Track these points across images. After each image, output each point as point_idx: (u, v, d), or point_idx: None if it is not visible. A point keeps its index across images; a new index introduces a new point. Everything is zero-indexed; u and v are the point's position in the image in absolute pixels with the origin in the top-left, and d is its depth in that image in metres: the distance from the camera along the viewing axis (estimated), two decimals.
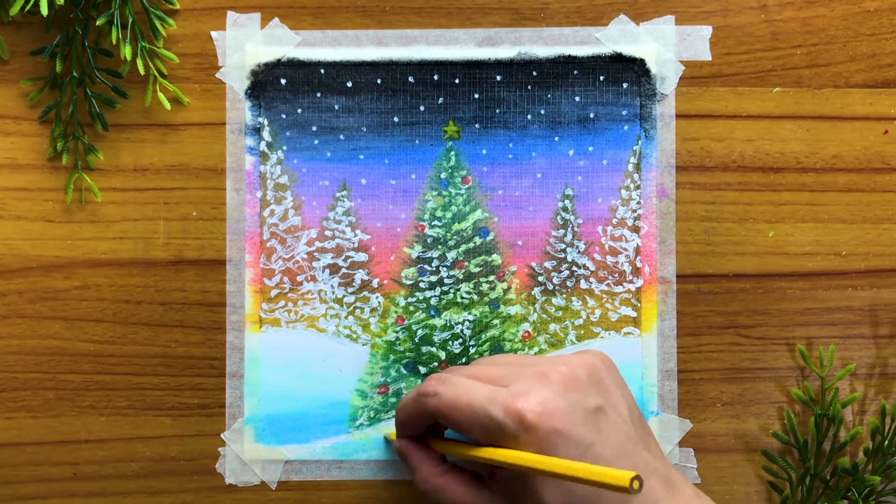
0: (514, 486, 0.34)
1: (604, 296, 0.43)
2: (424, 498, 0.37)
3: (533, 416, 0.31)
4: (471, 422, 0.33)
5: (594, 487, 0.30)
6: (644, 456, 0.33)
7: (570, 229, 0.43)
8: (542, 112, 0.43)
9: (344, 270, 0.43)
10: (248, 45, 0.43)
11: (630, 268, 0.43)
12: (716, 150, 0.43)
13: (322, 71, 0.43)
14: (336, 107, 0.43)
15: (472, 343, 0.43)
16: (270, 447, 0.43)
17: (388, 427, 0.43)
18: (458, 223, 0.43)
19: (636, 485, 0.27)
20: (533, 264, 0.43)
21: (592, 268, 0.43)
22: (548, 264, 0.43)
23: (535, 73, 0.43)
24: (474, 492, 0.35)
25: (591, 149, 0.43)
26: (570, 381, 0.33)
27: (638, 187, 0.43)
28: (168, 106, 0.42)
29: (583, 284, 0.43)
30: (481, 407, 0.33)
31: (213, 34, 0.43)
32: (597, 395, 0.33)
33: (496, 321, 0.43)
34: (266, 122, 0.43)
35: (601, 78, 0.43)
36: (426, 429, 0.38)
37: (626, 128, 0.43)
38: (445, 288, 0.43)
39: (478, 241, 0.43)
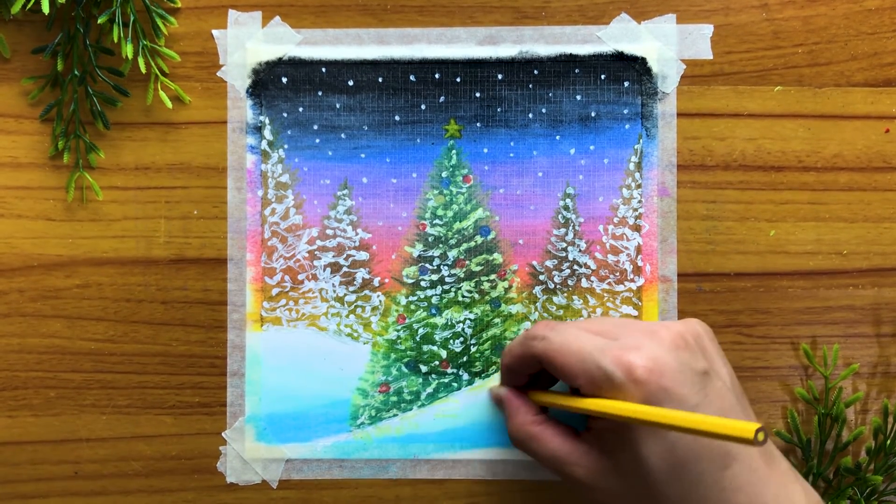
0: (612, 439, 0.34)
1: (605, 294, 0.43)
2: (517, 446, 0.37)
3: (643, 370, 0.31)
4: (578, 369, 0.33)
5: (696, 447, 0.30)
6: None
7: (571, 228, 0.43)
8: (544, 111, 0.43)
9: (345, 269, 0.43)
10: (249, 44, 0.43)
11: (631, 266, 0.43)
12: (717, 148, 0.43)
13: (323, 69, 0.43)
14: (337, 105, 0.43)
15: (473, 342, 0.43)
16: (271, 446, 0.43)
17: (390, 426, 0.43)
18: (460, 222, 0.43)
19: (761, 436, 0.26)
20: (534, 263, 0.43)
21: (594, 266, 0.43)
22: (549, 263, 0.43)
23: (536, 72, 0.43)
24: (570, 443, 0.35)
25: (592, 147, 0.43)
26: (680, 340, 0.33)
27: (639, 186, 0.43)
28: (169, 104, 0.42)
29: (584, 283, 0.43)
30: (590, 355, 0.33)
31: (215, 32, 0.43)
32: (703, 360, 0.33)
33: (497, 320, 0.43)
34: (267, 121, 0.43)
35: (602, 76, 0.43)
36: (529, 378, 0.37)
37: (627, 126, 0.43)
38: (446, 286, 0.43)
39: (479, 239, 0.43)
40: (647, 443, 0.32)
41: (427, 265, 0.43)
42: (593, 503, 0.35)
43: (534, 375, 0.38)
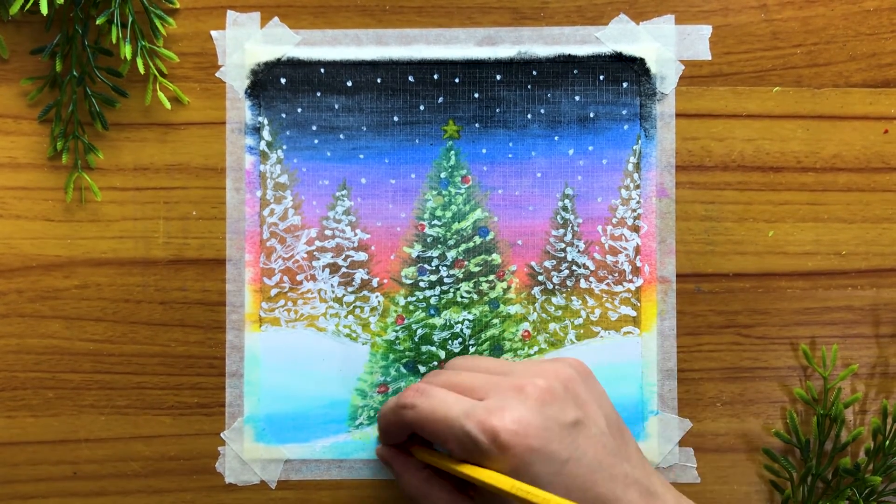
0: (493, 496, 0.34)
1: (604, 295, 0.43)
2: (410, 502, 0.37)
3: (507, 434, 0.31)
4: (446, 435, 0.33)
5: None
6: (623, 468, 0.33)
7: (569, 229, 0.43)
8: (542, 111, 0.43)
9: (344, 270, 0.43)
10: (247, 45, 0.43)
11: (630, 267, 0.43)
12: (716, 149, 0.43)
13: (322, 70, 0.43)
14: (336, 106, 0.43)
15: (471, 342, 0.43)
16: (270, 446, 0.43)
17: None
18: (458, 222, 0.43)
19: None
20: (533, 264, 0.43)
21: (592, 267, 0.43)
22: (548, 263, 0.43)
23: (534, 73, 0.43)
24: (458, 499, 0.35)
25: (590, 148, 0.43)
26: (546, 394, 0.33)
27: (638, 187, 0.43)
28: (168, 105, 0.42)
29: (582, 284, 0.43)
30: (456, 421, 0.33)
31: (213, 33, 0.43)
32: (574, 408, 0.33)
33: (496, 320, 0.43)
34: (266, 122, 0.43)
35: (601, 77, 0.43)
36: (407, 437, 0.38)
37: (625, 127, 0.43)
38: (445, 287, 0.43)
39: (477, 240, 0.43)
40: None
41: (426, 266, 0.43)
42: None
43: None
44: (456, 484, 0.36)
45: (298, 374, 0.43)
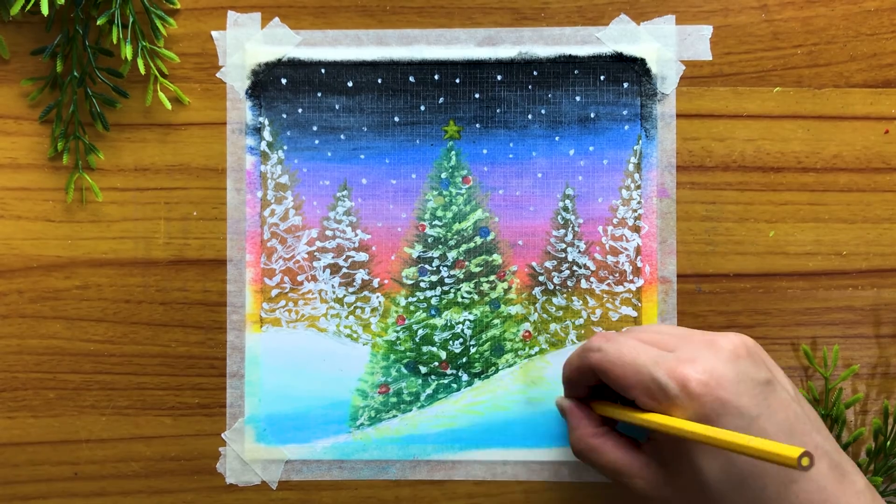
0: (672, 452, 0.33)
1: (604, 295, 0.43)
2: (578, 457, 0.37)
3: (696, 384, 0.31)
4: (633, 381, 0.33)
5: (758, 461, 0.29)
6: (813, 437, 0.32)
7: (570, 229, 0.43)
8: (543, 112, 0.43)
9: (344, 270, 0.43)
10: (248, 45, 0.43)
11: (631, 267, 0.43)
12: (716, 149, 0.43)
13: (323, 70, 0.43)
14: (337, 106, 0.43)
15: (472, 343, 0.43)
16: (271, 447, 0.43)
17: (390, 427, 0.43)
18: (459, 223, 0.43)
19: (805, 461, 0.25)
20: (533, 264, 0.43)
21: (593, 267, 0.43)
22: (548, 264, 0.43)
23: (535, 73, 0.43)
24: (629, 454, 0.35)
25: (591, 148, 0.43)
26: (741, 350, 0.33)
27: (638, 187, 0.43)
28: (169, 106, 0.42)
29: (583, 284, 0.43)
30: (645, 367, 0.32)
31: (214, 34, 0.43)
32: (765, 369, 0.33)
33: (497, 321, 0.43)
34: (267, 122, 0.43)
35: (602, 77, 0.43)
36: (590, 390, 0.37)
37: (626, 127, 0.43)
38: (446, 287, 0.43)
39: (478, 240, 0.43)
40: (705, 457, 0.32)
41: (426, 266, 0.43)
42: None
43: (598, 386, 0.37)
44: (629, 443, 0.36)
45: (299, 375, 0.43)
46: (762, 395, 0.32)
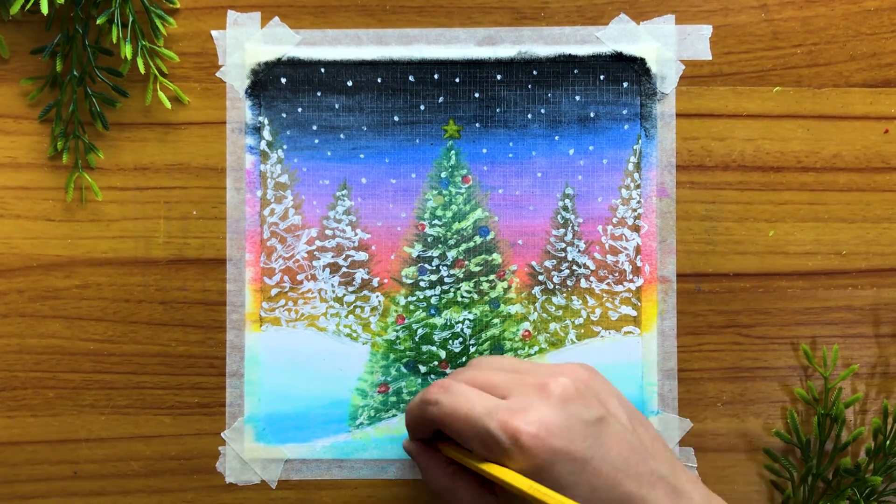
0: (518, 496, 0.33)
1: (604, 295, 0.43)
2: (435, 499, 0.37)
3: (528, 437, 0.31)
4: (469, 434, 0.33)
5: (601, 496, 0.31)
6: (648, 465, 0.32)
7: (570, 228, 0.43)
8: (543, 111, 0.43)
9: (344, 269, 0.43)
10: (248, 44, 0.43)
11: (630, 267, 0.43)
12: (716, 149, 0.43)
13: (322, 70, 0.43)
14: (336, 106, 0.43)
15: (472, 342, 0.43)
16: (270, 446, 0.43)
17: (389, 427, 0.43)
18: (459, 222, 0.43)
19: None
20: (533, 263, 0.43)
21: (593, 267, 0.43)
22: (548, 263, 0.43)
23: (535, 73, 0.43)
24: (482, 496, 0.35)
25: (591, 148, 0.43)
26: (570, 391, 0.33)
27: (638, 186, 0.43)
28: (168, 105, 0.42)
29: (583, 283, 0.43)
30: (480, 420, 0.32)
31: (214, 33, 0.43)
32: (598, 405, 0.33)
33: (496, 320, 0.43)
34: (266, 121, 0.43)
35: (601, 77, 0.43)
36: (434, 433, 0.37)
37: (626, 127, 0.43)
38: (446, 287, 0.43)
39: (478, 240, 0.43)
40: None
41: (426, 265, 0.43)
42: None
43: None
44: (481, 481, 0.36)
45: (299, 374, 0.43)
46: (593, 435, 0.32)
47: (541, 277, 0.43)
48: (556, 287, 0.43)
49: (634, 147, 0.43)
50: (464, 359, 0.43)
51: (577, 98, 0.43)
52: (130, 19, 0.41)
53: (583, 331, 0.43)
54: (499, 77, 0.43)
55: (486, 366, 0.37)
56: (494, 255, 0.43)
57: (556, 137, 0.43)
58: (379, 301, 0.43)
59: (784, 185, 0.43)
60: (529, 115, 0.43)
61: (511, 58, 0.43)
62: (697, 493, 0.33)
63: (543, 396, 0.33)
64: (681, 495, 0.32)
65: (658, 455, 0.34)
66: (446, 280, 0.43)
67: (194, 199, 0.43)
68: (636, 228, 0.43)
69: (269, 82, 0.43)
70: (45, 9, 0.40)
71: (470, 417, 0.33)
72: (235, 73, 0.43)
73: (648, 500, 0.31)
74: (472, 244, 0.43)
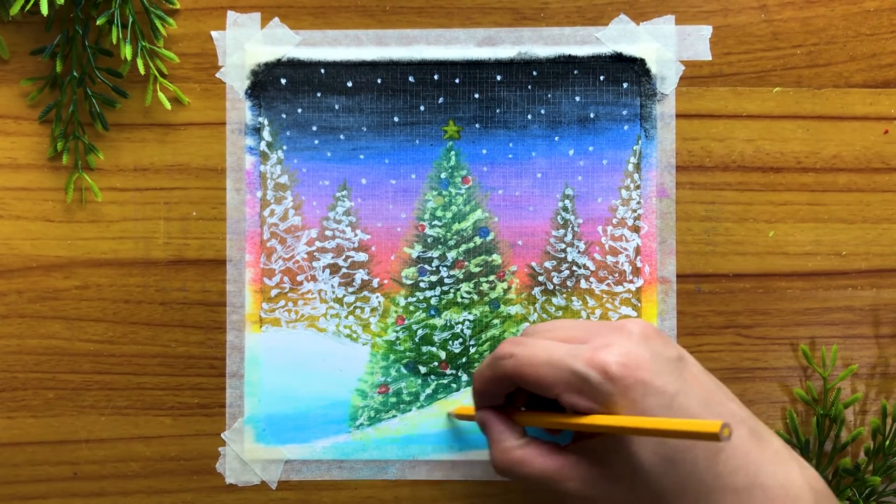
0: (600, 445, 0.33)
1: (604, 295, 0.43)
2: (501, 474, 0.35)
3: (617, 367, 0.31)
4: (553, 379, 0.32)
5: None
6: (730, 406, 0.32)
7: (570, 229, 0.43)
8: (543, 112, 0.43)
9: (344, 270, 0.43)
10: (248, 45, 0.43)
11: (630, 267, 0.43)
12: (716, 149, 0.43)
13: (322, 71, 0.43)
14: (336, 106, 0.43)
15: (472, 343, 0.43)
16: (270, 447, 0.43)
17: (389, 427, 0.43)
18: (459, 223, 0.43)
19: (726, 432, 0.27)
20: (533, 264, 0.43)
21: (592, 268, 0.43)
22: (548, 264, 0.43)
23: (535, 73, 0.43)
24: (557, 459, 0.33)
25: (591, 149, 0.43)
26: (649, 331, 0.33)
27: (638, 187, 0.43)
28: (168, 106, 0.42)
29: (583, 284, 0.43)
30: (562, 361, 0.32)
31: (214, 34, 0.43)
32: (674, 346, 0.33)
33: (496, 321, 0.43)
34: (266, 122, 0.43)
35: (601, 78, 0.43)
36: (505, 399, 0.36)
37: (626, 128, 0.43)
38: (445, 288, 0.43)
39: (478, 240, 0.43)
40: (639, 444, 0.31)
41: (426, 266, 0.43)
42: None
43: (508, 395, 0.37)
44: (553, 446, 0.35)
45: (299, 375, 0.43)
46: (677, 371, 0.32)
47: (541, 278, 0.43)
48: (556, 288, 0.43)
49: (634, 148, 0.43)
50: (464, 359, 0.43)
51: (577, 99, 0.43)
52: (130, 20, 0.41)
53: None
54: (498, 78, 0.43)
55: (556, 325, 0.36)
56: (494, 256, 0.43)
57: (556, 138, 0.43)
58: (379, 302, 0.43)
59: (784, 186, 0.43)
60: (529, 116, 0.43)
61: (511, 58, 0.43)
62: (776, 438, 0.33)
63: (624, 335, 0.33)
64: (762, 437, 0.32)
65: (735, 400, 0.34)
66: (446, 281, 0.43)
67: (194, 200, 0.43)
68: (636, 229, 0.43)
69: (269, 83, 0.43)
70: (44, 9, 0.40)
71: (552, 360, 0.32)
72: (235, 73, 0.43)
73: (734, 438, 0.31)
74: (471, 245, 0.43)
